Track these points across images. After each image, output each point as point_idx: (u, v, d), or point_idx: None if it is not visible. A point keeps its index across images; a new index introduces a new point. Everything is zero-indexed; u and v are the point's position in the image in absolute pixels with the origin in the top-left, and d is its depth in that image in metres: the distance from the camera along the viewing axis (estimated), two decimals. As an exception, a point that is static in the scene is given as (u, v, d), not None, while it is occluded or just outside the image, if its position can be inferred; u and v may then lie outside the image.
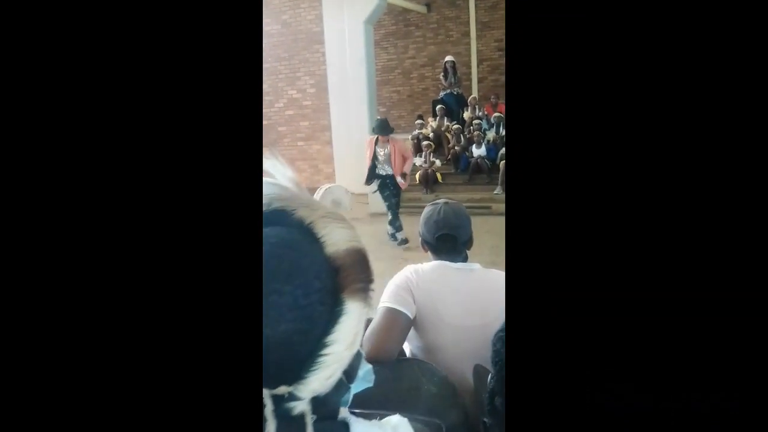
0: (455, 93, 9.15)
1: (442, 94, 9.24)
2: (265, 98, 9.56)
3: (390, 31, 10.80)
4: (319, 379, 0.48)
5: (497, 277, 1.52)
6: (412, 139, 8.20)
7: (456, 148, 8.10)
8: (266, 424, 0.48)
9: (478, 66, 10.20)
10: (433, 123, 8.70)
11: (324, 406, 0.51)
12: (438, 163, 8.13)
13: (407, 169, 5.65)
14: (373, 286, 0.52)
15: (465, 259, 1.59)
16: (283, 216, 0.52)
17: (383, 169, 5.62)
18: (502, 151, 7.57)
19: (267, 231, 0.51)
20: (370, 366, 0.59)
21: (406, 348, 1.57)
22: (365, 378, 0.58)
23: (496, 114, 8.31)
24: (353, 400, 0.58)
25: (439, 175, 8.01)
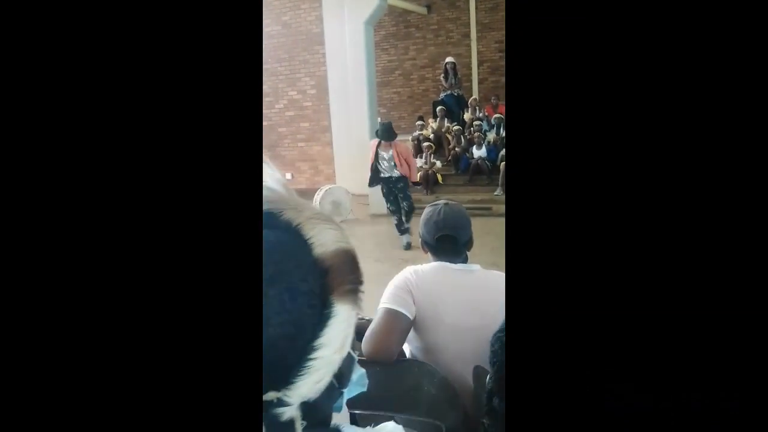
0: (456, 94, 9.16)
1: (442, 95, 9.25)
2: (266, 99, 9.56)
3: (390, 32, 10.80)
4: (308, 384, 0.47)
5: (497, 278, 1.52)
6: (413, 140, 8.21)
7: (456, 149, 8.11)
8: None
9: (478, 67, 10.21)
10: (433, 124, 8.71)
11: (315, 411, 0.50)
12: (438, 164, 8.14)
13: (413, 177, 5.72)
14: (362, 287, 0.51)
15: (465, 260, 1.59)
16: (270, 218, 0.52)
17: (387, 172, 5.63)
18: (503, 152, 7.58)
19: None
20: (363, 370, 0.57)
21: (406, 349, 1.57)
22: (359, 382, 0.57)
23: (497, 115, 8.32)
24: (352, 400, 0.58)
25: (439, 176, 8.01)
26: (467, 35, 10.18)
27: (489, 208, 7.02)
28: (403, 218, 5.68)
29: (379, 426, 0.61)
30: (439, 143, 8.39)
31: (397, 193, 5.65)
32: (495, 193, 7.41)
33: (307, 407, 0.49)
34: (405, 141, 6.79)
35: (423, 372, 1.38)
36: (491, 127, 8.36)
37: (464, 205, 1.76)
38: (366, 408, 1.38)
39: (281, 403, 0.47)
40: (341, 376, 0.52)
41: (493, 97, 8.83)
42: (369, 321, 1.49)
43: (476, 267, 1.55)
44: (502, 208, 6.76)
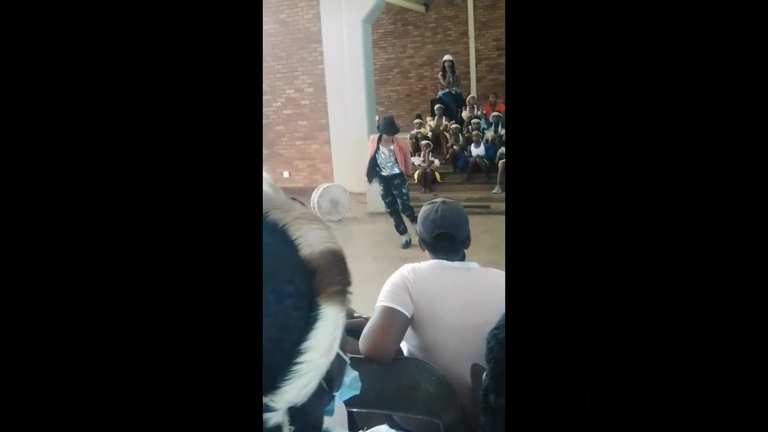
0: (454, 92, 9.17)
1: (440, 93, 9.26)
2: (263, 98, 9.57)
3: (388, 30, 10.81)
4: (295, 389, 0.46)
5: (494, 275, 1.52)
6: (411, 139, 8.21)
7: (454, 147, 8.12)
8: None
9: (476, 65, 10.22)
10: (431, 122, 8.72)
11: (303, 416, 0.49)
12: (436, 162, 8.15)
13: (408, 171, 5.73)
14: (351, 288, 0.50)
15: (462, 258, 1.59)
16: None
17: (386, 169, 5.59)
18: (501, 150, 7.59)
19: None
20: (356, 373, 0.56)
21: (404, 347, 1.57)
22: (351, 385, 0.55)
23: (495, 113, 8.33)
24: (352, 400, 0.56)
25: (437, 175, 8.02)
26: (465, 33, 10.19)
27: (487, 206, 7.04)
28: (401, 215, 5.68)
29: (372, 430, 0.60)
30: (437, 141, 8.40)
31: (394, 191, 5.64)
32: (493, 191, 7.42)
33: (294, 412, 0.47)
34: (404, 139, 6.80)
35: (421, 370, 1.39)
36: (489, 125, 8.38)
37: (462, 203, 1.76)
38: (364, 406, 1.38)
39: (267, 408, 0.46)
40: (331, 380, 0.50)
41: (491, 95, 8.84)
42: (366, 319, 1.49)
43: (474, 265, 1.55)
44: (501, 206, 6.79)
